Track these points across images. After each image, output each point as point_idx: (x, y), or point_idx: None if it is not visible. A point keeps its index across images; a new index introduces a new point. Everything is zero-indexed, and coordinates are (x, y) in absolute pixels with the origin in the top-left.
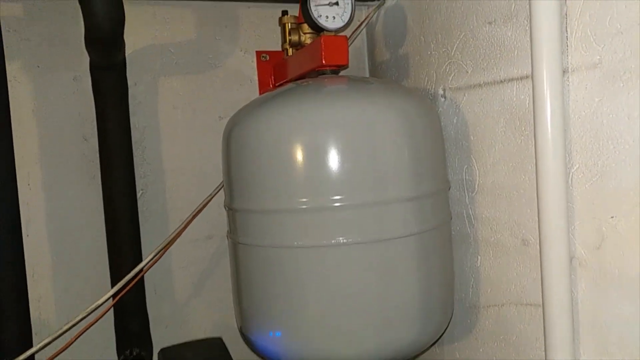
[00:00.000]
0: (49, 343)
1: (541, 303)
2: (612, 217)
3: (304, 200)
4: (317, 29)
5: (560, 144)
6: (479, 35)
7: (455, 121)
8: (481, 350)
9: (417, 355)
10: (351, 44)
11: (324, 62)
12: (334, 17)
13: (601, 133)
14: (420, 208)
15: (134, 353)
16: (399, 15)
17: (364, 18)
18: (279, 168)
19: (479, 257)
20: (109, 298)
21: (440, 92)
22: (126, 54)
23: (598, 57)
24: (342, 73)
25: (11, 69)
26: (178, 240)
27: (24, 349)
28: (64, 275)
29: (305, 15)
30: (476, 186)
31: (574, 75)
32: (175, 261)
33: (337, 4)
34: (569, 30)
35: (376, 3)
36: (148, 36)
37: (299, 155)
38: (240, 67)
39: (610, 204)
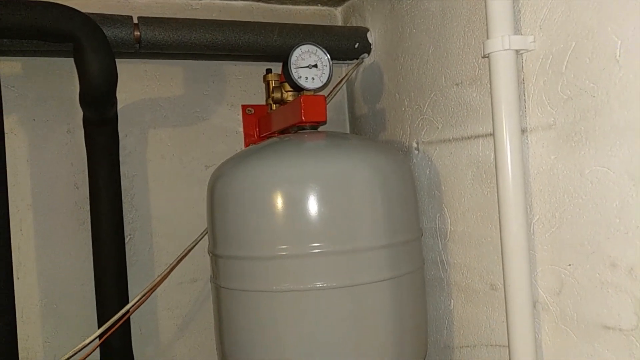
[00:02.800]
0: None
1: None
2: (569, 265)
3: (284, 247)
4: (298, 88)
5: (520, 196)
6: (448, 94)
7: (428, 172)
8: None
9: None
10: (332, 98)
11: (303, 119)
12: (313, 78)
13: (558, 188)
14: (393, 255)
15: None
16: (376, 73)
17: (344, 75)
18: (261, 217)
19: (452, 301)
20: (95, 338)
21: (414, 145)
22: (118, 108)
23: (552, 119)
24: (323, 127)
25: (8, 122)
26: (164, 283)
27: None
28: (52, 316)
29: (287, 76)
30: (448, 233)
31: (532, 134)
32: (160, 303)
33: (315, 66)
34: (526, 94)
35: (355, 61)
36: (139, 91)
37: (280, 205)
38: (227, 120)
39: (568, 252)
